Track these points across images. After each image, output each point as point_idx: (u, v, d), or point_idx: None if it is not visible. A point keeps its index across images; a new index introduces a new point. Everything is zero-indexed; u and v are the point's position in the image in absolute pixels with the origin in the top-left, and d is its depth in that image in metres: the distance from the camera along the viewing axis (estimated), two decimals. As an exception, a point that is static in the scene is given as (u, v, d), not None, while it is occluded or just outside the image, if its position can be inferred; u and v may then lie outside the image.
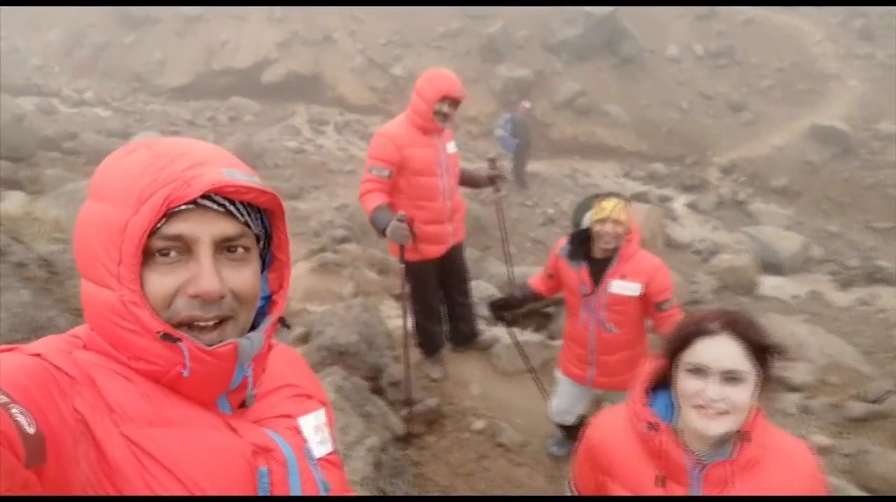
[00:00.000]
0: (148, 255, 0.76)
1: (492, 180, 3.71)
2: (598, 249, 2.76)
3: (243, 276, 0.81)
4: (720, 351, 1.27)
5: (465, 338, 4.33)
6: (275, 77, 17.87)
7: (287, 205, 10.28)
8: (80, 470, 0.66)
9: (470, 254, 8.40)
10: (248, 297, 0.83)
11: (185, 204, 0.75)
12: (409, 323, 4.37)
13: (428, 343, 4.12)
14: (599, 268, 2.79)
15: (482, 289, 6.31)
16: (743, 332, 1.28)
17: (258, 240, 0.87)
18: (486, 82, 15.75)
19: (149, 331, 0.75)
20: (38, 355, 0.71)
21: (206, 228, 0.77)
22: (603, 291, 2.79)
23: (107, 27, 20.34)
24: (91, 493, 0.68)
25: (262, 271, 0.91)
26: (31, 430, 0.59)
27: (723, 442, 1.32)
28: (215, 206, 0.78)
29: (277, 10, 19.01)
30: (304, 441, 0.92)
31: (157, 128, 14.61)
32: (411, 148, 3.40)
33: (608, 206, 2.68)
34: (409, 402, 3.50)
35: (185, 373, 0.77)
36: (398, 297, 5.85)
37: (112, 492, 0.69)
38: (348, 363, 3.54)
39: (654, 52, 16.13)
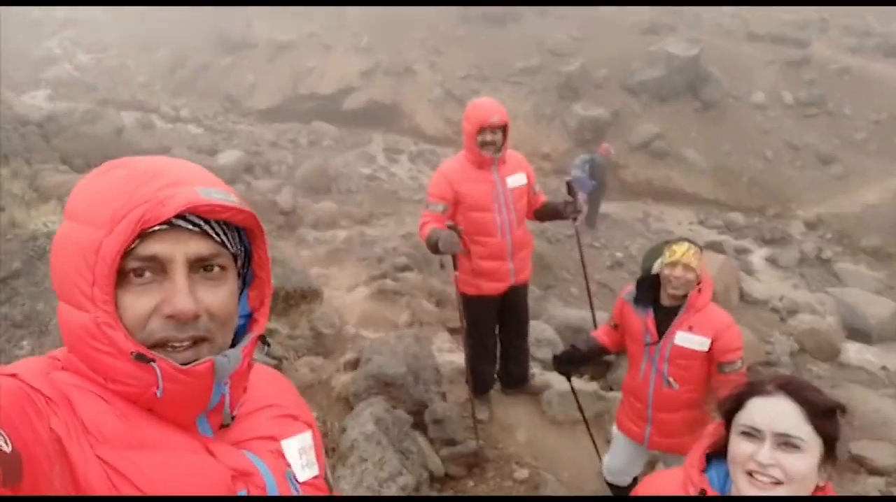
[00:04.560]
0: (122, 276, 0.75)
1: (565, 207, 3.52)
2: (667, 296, 2.64)
3: (219, 296, 0.80)
4: (774, 411, 1.18)
5: (516, 381, 4.20)
6: (356, 104, 18.51)
7: (355, 229, 10.53)
8: (54, 490, 0.66)
9: (531, 293, 8.26)
10: (225, 317, 0.82)
11: (159, 224, 0.75)
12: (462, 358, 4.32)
13: (477, 381, 4.02)
14: (666, 317, 2.67)
15: (540, 331, 6.16)
16: (799, 393, 1.20)
17: (236, 258, 0.86)
18: (561, 120, 15.68)
19: (122, 352, 0.74)
20: (13, 375, 0.71)
21: (180, 248, 0.77)
22: (667, 342, 2.65)
23: (207, 50, 21.76)
24: None
25: (243, 289, 0.91)
26: (7, 449, 0.59)
27: None
28: (190, 226, 0.78)
29: (363, 40, 19.80)
30: (287, 464, 0.90)
31: (242, 146, 15.36)
32: (465, 183, 3.39)
33: (679, 250, 2.57)
34: (450, 442, 3.42)
35: (159, 394, 0.76)
36: (453, 331, 5.80)
37: None
38: (393, 395, 3.50)
39: (738, 97, 15.61)
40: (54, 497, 0.65)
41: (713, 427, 1.37)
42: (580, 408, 3.52)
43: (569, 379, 3.27)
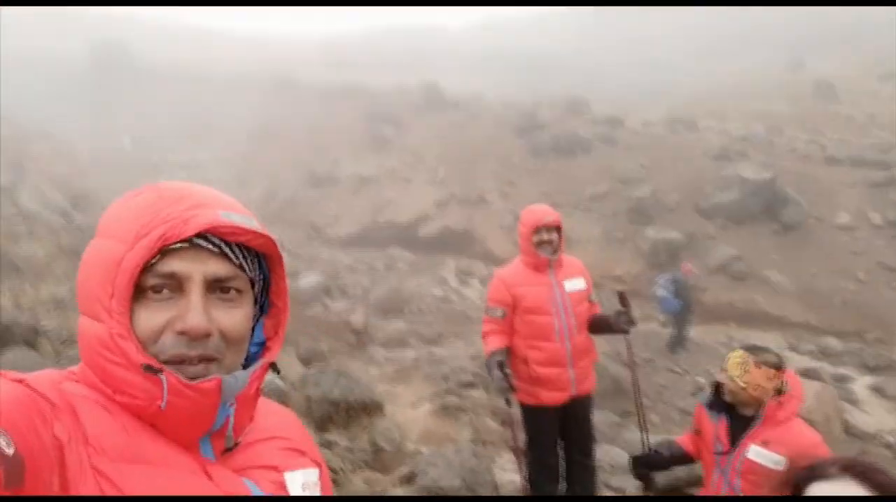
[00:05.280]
0: (141, 292, 0.78)
1: (618, 318, 3.44)
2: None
3: (233, 317, 0.81)
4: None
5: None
6: (430, 231, 19.32)
7: (424, 349, 10.57)
8: (53, 494, 0.66)
9: (606, 418, 7.80)
10: (237, 338, 0.82)
11: (179, 242, 0.78)
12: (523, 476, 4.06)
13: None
14: (741, 427, 2.47)
15: (614, 456, 5.75)
16: (867, 476, 1.04)
17: (253, 285, 0.87)
18: (633, 243, 15.63)
19: (133, 363, 0.75)
20: (20, 381, 0.72)
21: (198, 267, 0.79)
22: (739, 454, 2.43)
23: (297, 185, 23.73)
24: None
25: (260, 317, 0.92)
26: (9, 452, 0.60)
27: None
28: (210, 247, 0.80)
29: (440, 173, 21.05)
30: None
31: (322, 270, 16.15)
32: (522, 286, 3.41)
33: (730, 359, 2.45)
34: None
35: (162, 406, 0.76)
36: (515, 451, 5.52)
37: None
38: (446, 509, 3.31)
39: (821, 219, 15.12)
40: (55, 497, 0.66)
41: None
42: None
43: (646, 486, 3.02)
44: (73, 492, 0.68)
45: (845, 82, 28.11)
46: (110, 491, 0.71)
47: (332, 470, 4.27)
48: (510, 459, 5.31)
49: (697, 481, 4.68)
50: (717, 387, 2.58)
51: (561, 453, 3.83)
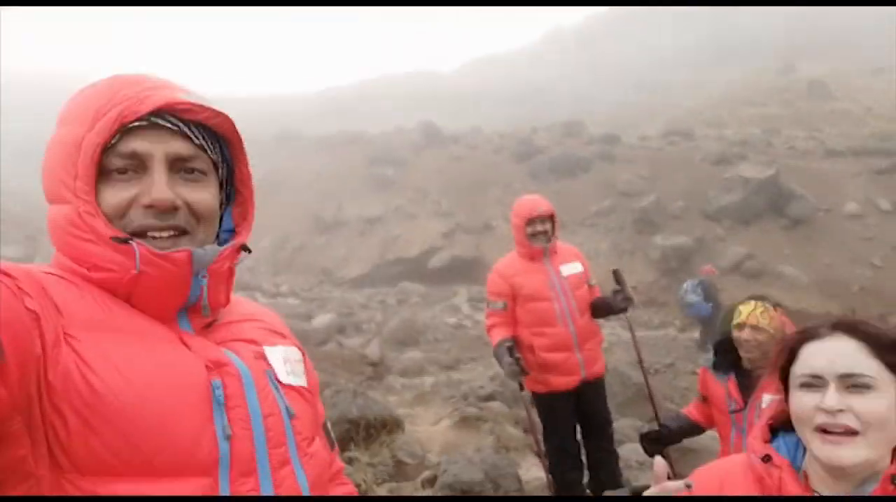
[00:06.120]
0: (106, 174, 0.80)
1: (614, 297, 3.45)
2: (746, 359, 2.42)
3: (200, 194, 0.84)
4: (832, 352, 1.03)
5: (609, 489, 3.79)
6: (439, 262, 19.38)
7: (442, 374, 10.46)
8: (35, 364, 0.66)
9: (633, 423, 7.66)
10: (205, 213, 0.84)
11: (138, 120, 0.79)
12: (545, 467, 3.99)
13: (563, 492, 3.66)
14: (750, 381, 2.42)
15: (641, 454, 5.66)
16: (857, 328, 1.04)
17: (217, 168, 0.89)
18: (642, 253, 15.58)
19: (102, 237, 0.78)
20: None
21: (159, 145, 0.81)
22: (754, 408, 2.38)
23: (305, 232, 23.98)
24: (34, 388, 0.67)
25: (228, 206, 0.94)
26: None
27: (863, 484, 1.01)
28: (169, 125, 0.82)
29: (444, 206, 21.23)
30: (268, 366, 0.87)
31: (335, 310, 16.18)
32: (518, 275, 3.44)
33: (745, 311, 2.38)
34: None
35: (136, 271, 0.77)
36: (539, 454, 5.43)
37: (48, 387, 0.68)
38: None
39: (829, 210, 15.05)
40: (53, 497, 0.66)
41: (775, 401, 1.20)
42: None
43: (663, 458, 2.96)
44: (51, 361, 0.68)
45: (838, 80, 28.33)
46: (87, 355, 0.71)
47: (356, 484, 4.22)
48: (534, 462, 5.23)
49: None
50: (721, 347, 2.53)
51: (581, 442, 3.78)
